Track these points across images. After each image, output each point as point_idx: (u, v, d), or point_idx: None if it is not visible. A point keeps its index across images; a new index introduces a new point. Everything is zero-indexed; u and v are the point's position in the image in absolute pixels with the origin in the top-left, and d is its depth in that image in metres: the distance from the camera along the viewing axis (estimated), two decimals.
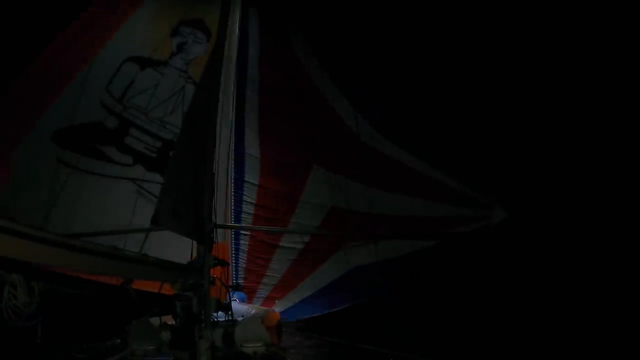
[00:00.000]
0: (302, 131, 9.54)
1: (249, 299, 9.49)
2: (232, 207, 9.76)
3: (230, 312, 7.39)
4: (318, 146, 9.48)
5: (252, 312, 8.24)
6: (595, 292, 9.23)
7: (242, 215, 9.83)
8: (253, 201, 9.83)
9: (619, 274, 9.34)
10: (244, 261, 9.94)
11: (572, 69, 10.09)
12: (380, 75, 9.07)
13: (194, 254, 6.97)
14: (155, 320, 7.09)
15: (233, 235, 9.86)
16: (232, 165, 9.77)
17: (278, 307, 9.63)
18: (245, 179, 9.79)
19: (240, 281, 9.48)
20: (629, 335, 8.42)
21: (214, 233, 7.29)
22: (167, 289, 6.91)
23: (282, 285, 9.88)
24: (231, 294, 8.34)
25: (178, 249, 7.55)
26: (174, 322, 7.06)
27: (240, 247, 9.86)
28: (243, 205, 9.82)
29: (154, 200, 8.95)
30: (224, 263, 7.58)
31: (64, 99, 8.47)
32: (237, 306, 8.25)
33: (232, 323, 7.21)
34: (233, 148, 9.77)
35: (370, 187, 9.14)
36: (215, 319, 7.16)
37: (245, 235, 9.91)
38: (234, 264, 9.76)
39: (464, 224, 8.92)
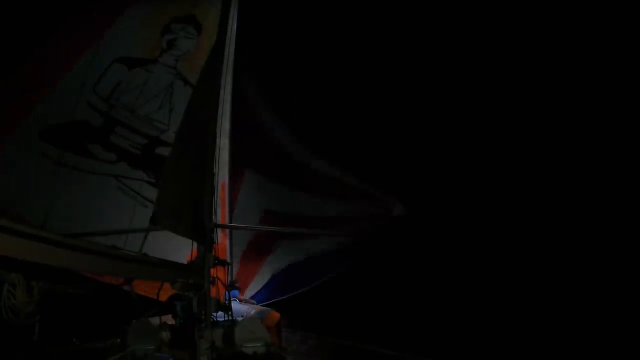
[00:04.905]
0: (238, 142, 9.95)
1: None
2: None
3: (230, 312, 7.38)
4: (250, 153, 10.00)
5: (252, 312, 8.23)
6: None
7: None
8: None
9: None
10: None
11: (464, 75, 10.79)
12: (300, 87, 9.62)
13: (194, 254, 6.95)
14: (155, 320, 7.07)
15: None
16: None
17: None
18: None
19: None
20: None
21: (215, 233, 7.27)
22: (165, 294, 6.91)
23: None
24: (229, 293, 8.34)
25: (178, 248, 7.56)
26: (174, 322, 7.06)
27: None
28: None
29: (136, 197, 9.02)
30: (224, 263, 7.55)
31: (52, 98, 8.48)
32: (237, 306, 8.23)
33: (232, 323, 7.20)
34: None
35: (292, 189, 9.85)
36: (215, 319, 7.15)
37: None
38: None
39: (370, 221, 9.58)
